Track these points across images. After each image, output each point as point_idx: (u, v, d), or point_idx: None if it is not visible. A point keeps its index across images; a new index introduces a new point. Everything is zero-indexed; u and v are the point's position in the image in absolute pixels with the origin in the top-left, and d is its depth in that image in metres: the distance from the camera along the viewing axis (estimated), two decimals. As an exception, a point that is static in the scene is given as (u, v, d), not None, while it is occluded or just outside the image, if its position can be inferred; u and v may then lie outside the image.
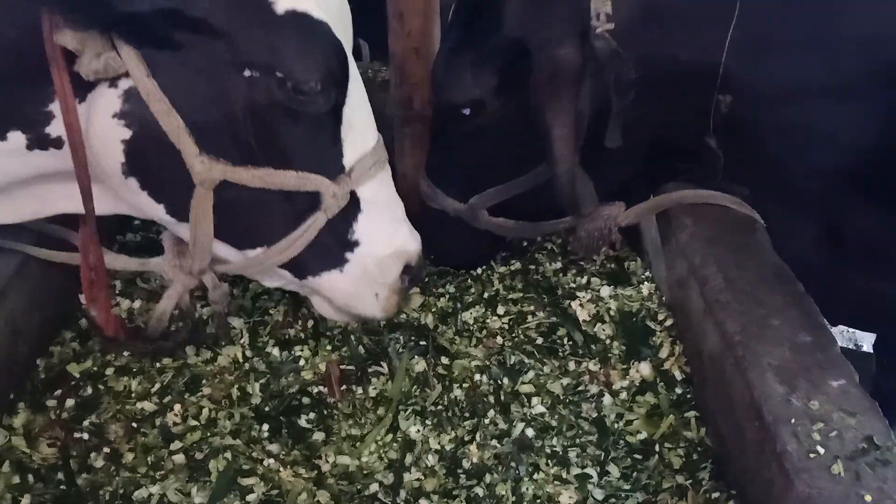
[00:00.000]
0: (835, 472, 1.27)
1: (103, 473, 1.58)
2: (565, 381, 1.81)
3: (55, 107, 1.31)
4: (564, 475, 1.61)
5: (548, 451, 1.66)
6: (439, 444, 1.68)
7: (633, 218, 1.98)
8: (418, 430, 1.70)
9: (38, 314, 1.80)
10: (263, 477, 1.59)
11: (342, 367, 1.84)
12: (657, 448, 1.65)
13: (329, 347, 1.89)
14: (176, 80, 1.28)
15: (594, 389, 1.79)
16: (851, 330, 3.24)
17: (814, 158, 1.80)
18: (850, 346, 3.30)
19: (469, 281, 2.12)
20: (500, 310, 2.00)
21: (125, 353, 1.80)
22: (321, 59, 1.34)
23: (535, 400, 1.76)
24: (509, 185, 1.89)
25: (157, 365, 1.81)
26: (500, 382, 1.81)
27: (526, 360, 1.86)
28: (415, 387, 1.80)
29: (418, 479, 1.61)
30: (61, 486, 1.55)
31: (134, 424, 1.69)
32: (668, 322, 1.92)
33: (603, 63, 1.63)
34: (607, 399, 1.76)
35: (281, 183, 1.40)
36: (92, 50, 1.23)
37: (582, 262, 2.14)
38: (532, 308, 2.00)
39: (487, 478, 1.61)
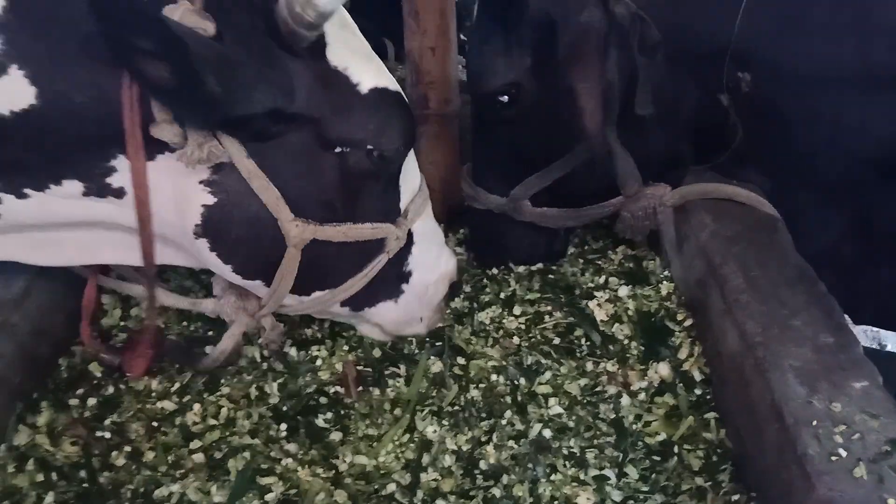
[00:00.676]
0: (857, 476, 1.25)
1: (124, 472, 1.60)
2: (583, 381, 1.80)
3: (117, 162, 1.35)
4: (582, 476, 1.60)
5: (565, 452, 1.65)
6: (456, 444, 1.68)
7: (679, 199, 1.96)
8: (435, 431, 1.70)
9: (60, 314, 1.82)
10: (282, 476, 1.60)
11: (359, 368, 1.84)
12: (676, 449, 1.63)
13: (346, 348, 1.90)
14: (272, 159, 1.38)
15: (612, 390, 1.78)
16: (875, 329, 3.18)
17: (843, 146, 1.78)
18: (874, 346, 3.24)
19: (485, 280, 2.11)
20: (517, 310, 2.00)
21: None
22: (402, 126, 1.49)
23: (552, 401, 1.76)
24: (549, 169, 1.90)
25: (177, 365, 1.83)
26: (516, 383, 1.80)
27: (543, 361, 1.85)
28: (431, 387, 1.80)
29: (435, 480, 1.61)
30: (84, 484, 1.57)
31: (154, 423, 1.71)
32: (688, 322, 1.90)
33: (626, 29, 1.64)
34: (625, 400, 1.75)
35: (358, 235, 1.52)
36: (195, 141, 1.30)
37: (610, 252, 2.15)
38: (549, 308, 1.99)
39: (505, 478, 1.60)
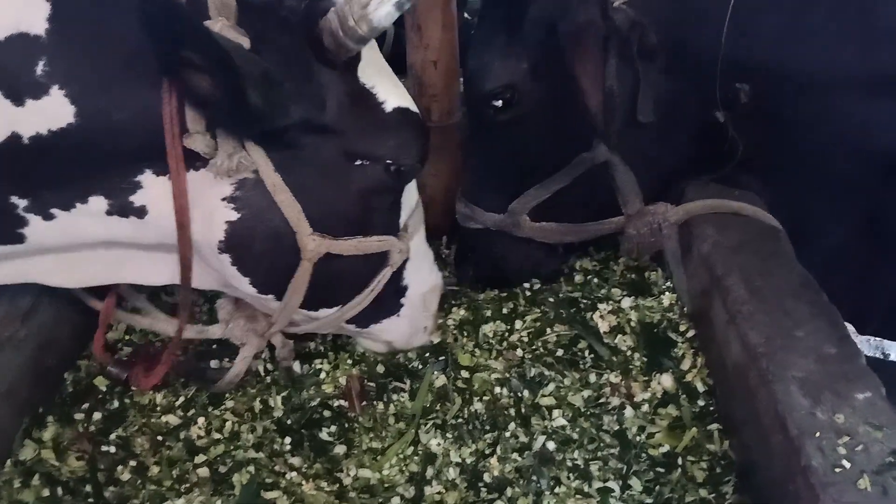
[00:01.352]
0: (861, 487, 1.25)
1: (130, 486, 1.61)
2: (586, 393, 1.80)
3: (143, 178, 1.38)
4: (586, 489, 1.60)
5: (569, 464, 1.65)
6: (460, 457, 1.68)
7: (683, 215, 1.94)
8: (439, 444, 1.70)
9: (66, 328, 1.83)
10: (286, 490, 1.60)
11: (363, 382, 1.85)
12: (680, 461, 1.63)
13: (350, 362, 1.90)
14: (295, 173, 1.41)
15: (616, 402, 1.78)
16: (879, 339, 3.18)
17: (847, 153, 1.78)
18: (877, 356, 3.23)
19: (489, 293, 2.11)
20: (520, 322, 2.00)
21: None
22: (419, 144, 1.55)
23: (556, 412, 1.76)
24: (548, 181, 1.88)
25: (182, 379, 1.83)
26: (520, 395, 1.80)
27: (546, 373, 1.85)
28: (435, 401, 1.80)
29: (439, 493, 1.61)
30: (89, 499, 1.58)
31: (159, 437, 1.71)
32: (690, 333, 1.90)
33: (625, 35, 1.65)
34: (629, 411, 1.75)
35: (367, 248, 1.56)
36: (225, 152, 1.34)
37: (613, 264, 2.15)
38: (552, 320, 2.00)
39: (509, 491, 1.60)
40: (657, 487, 1.59)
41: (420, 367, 1.89)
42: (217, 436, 1.72)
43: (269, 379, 1.86)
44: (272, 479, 1.62)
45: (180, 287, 1.53)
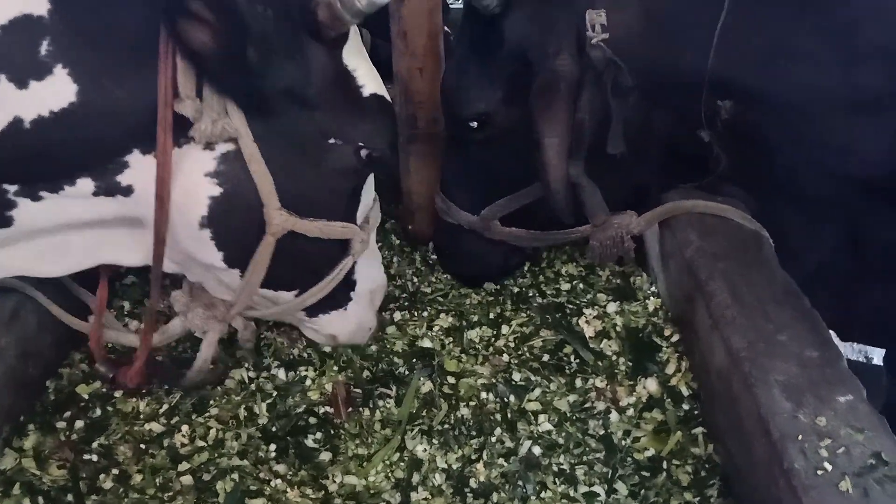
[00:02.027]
0: (843, 489, 1.26)
1: (112, 495, 1.59)
2: (572, 398, 1.81)
3: (131, 157, 1.38)
4: (572, 493, 1.60)
5: (555, 468, 1.65)
6: (446, 463, 1.68)
7: (645, 225, 1.98)
8: (425, 450, 1.70)
9: (48, 336, 1.82)
10: (271, 498, 1.59)
11: (349, 389, 1.84)
12: (665, 465, 1.64)
13: (336, 368, 1.90)
14: (271, 145, 1.42)
15: (601, 406, 1.78)
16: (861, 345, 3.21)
17: (829, 168, 1.80)
18: (860, 359, 3.27)
19: (475, 297, 2.12)
20: (506, 328, 2.00)
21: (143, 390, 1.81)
22: (389, 133, 1.59)
23: (541, 417, 1.76)
24: (518, 195, 1.94)
25: (165, 386, 1.82)
26: (506, 400, 1.80)
27: (532, 378, 1.85)
28: (422, 407, 1.80)
29: (426, 499, 1.61)
30: (71, 508, 1.56)
31: (142, 446, 1.69)
32: (675, 338, 1.92)
33: (600, 71, 1.67)
34: (614, 416, 1.76)
35: (331, 232, 1.57)
36: (209, 117, 1.34)
37: (598, 269, 2.17)
38: (538, 325, 2.00)
39: (495, 496, 1.60)
40: (642, 491, 1.59)
41: (407, 373, 1.88)
42: (201, 443, 1.71)
43: (253, 386, 1.85)
44: (257, 486, 1.61)
45: (152, 265, 1.51)
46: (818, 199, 1.90)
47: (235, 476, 1.63)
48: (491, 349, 1.95)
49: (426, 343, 1.96)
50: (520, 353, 1.93)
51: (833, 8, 1.64)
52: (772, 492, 1.36)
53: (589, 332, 1.97)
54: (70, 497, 1.57)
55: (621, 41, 1.69)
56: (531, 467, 1.65)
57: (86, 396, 1.79)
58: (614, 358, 1.90)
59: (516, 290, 2.15)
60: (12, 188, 1.37)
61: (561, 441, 1.71)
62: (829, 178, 1.82)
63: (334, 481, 1.64)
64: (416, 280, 2.22)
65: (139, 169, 1.38)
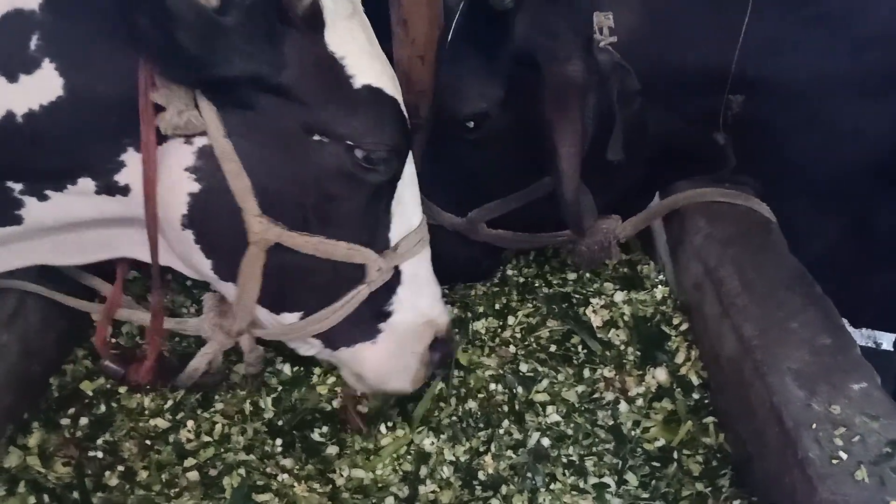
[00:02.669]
0: (858, 478, 1.24)
1: (118, 492, 1.58)
2: (580, 388, 1.79)
3: (126, 156, 1.34)
4: (582, 485, 1.58)
5: (564, 460, 1.63)
6: (454, 455, 1.66)
7: (631, 230, 1.96)
8: (433, 442, 1.69)
9: (52, 333, 1.80)
10: (278, 492, 1.58)
11: (356, 404, 1.78)
12: (675, 455, 1.62)
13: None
14: (248, 142, 1.33)
15: (610, 396, 1.77)
16: (870, 329, 3.18)
17: (839, 154, 1.78)
18: (869, 345, 3.24)
19: (480, 288, 2.10)
20: (512, 318, 1.98)
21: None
22: (391, 132, 1.42)
23: (549, 409, 1.74)
24: (509, 198, 1.87)
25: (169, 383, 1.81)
26: (514, 391, 1.79)
27: (540, 369, 1.84)
28: (432, 403, 1.77)
29: (434, 492, 1.59)
30: (76, 506, 1.55)
31: (148, 442, 1.69)
32: (684, 326, 1.89)
33: (606, 76, 1.63)
34: (623, 406, 1.74)
35: (331, 252, 1.42)
36: (175, 107, 1.28)
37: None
38: (545, 315, 1.98)
39: (504, 489, 1.59)
40: (653, 482, 1.58)
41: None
42: (207, 439, 1.70)
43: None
44: (263, 481, 1.60)
45: (151, 264, 1.48)
46: (828, 185, 1.87)
47: (242, 471, 1.62)
48: (497, 340, 1.93)
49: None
50: (526, 343, 1.91)
51: None
52: (786, 481, 1.34)
53: (596, 321, 1.95)
54: (75, 494, 1.57)
55: (628, 44, 1.64)
56: (540, 459, 1.63)
57: (90, 393, 1.79)
58: (622, 347, 1.88)
59: (522, 280, 2.13)
60: (17, 186, 1.36)
61: (570, 432, 1.69)
62: (840, 163, 1.80)
63: (341, 475, 1.63)
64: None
65: (135, 168, 1.35)
